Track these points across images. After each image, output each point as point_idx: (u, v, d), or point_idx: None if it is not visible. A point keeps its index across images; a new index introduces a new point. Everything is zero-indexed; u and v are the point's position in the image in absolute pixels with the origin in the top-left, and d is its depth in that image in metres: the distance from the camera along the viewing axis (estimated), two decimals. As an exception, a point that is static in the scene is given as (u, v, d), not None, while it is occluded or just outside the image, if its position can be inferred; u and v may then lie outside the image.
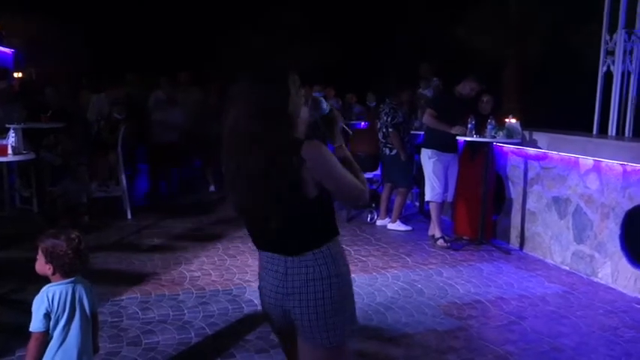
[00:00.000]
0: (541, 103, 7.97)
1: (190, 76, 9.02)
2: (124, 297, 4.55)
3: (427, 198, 6.50)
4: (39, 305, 2.43)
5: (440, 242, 6.25)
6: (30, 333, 2.44)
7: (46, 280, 2.54)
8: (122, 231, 6.53)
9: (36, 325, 2.41)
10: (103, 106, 8.06)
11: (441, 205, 6.46)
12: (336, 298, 2.06)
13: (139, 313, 4.26)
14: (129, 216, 7.10)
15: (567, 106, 7.36)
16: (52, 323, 2.44)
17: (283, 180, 1.93)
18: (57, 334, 2.45)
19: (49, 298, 2.44)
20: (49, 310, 2.42)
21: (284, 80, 2.02)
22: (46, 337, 2.43)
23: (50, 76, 9.15)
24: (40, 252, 2.49)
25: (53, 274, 2.49)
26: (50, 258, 2.46)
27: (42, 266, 2.49)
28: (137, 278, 5.00)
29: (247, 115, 1.97)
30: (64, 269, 2.48)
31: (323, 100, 2.17)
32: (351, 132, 2.33)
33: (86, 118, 8.11)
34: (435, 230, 6.39)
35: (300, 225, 2.03)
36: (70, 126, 7.18)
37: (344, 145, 2.19)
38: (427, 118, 6.22)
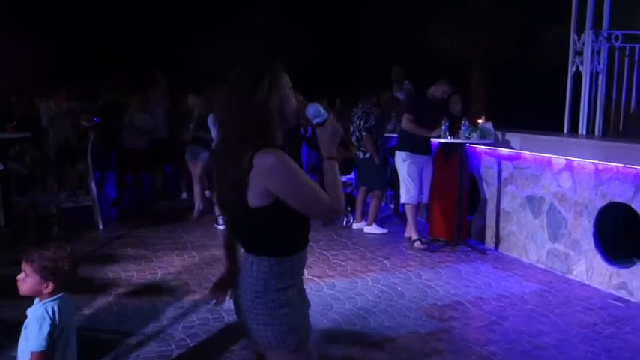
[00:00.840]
0: (510, 103, 8.09)
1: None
2: (99, 310, 4.43)
3: (402, 200, 6.52)
4: (41, 323, 2.33)
5: (417, 244, 6.27)
6: (32, 353, 2.34)
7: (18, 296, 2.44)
8: (94, 242, 6.37)
9: (41, 343, 2.31)
10: (51, 114, 7.84)
11: (417, 207, 6.49)
12: (271, 310, 2.01)
13: (117, 325, 4.14)
14: (100, 226, 6.94)
15: (537, 107, 7.49)
16: (54, 339, 2.34)
17: (233, 179, 1.91)
18: (60, 348, 2.38)
19: (50, 314, 2.35)
20: (53, 326, 2.34)
21: (261, 73, 1.95)
22: (50, 354, 2.33)
23: (16, 85, 8.87)
24: (30, 271, 2.38)
25: (52, 290, 2.38)
26: (51, 274, 2.36)
27: (36, 285, 2.38)
28: (112, 290, 4.88)
29: (221, 100, 2.00)
30: (64, 283, 2.39)
31: (320, 107, 2.07)
32: (353, 145, 2.24)
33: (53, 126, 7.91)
34: (411, 232, 6.42)
35: (245, 226, 2.01)
36: (36, 135, 6.99)
37: (334, 159, 2.04)
38: (406, 123, 6.23)
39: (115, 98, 8.64)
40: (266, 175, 1.86)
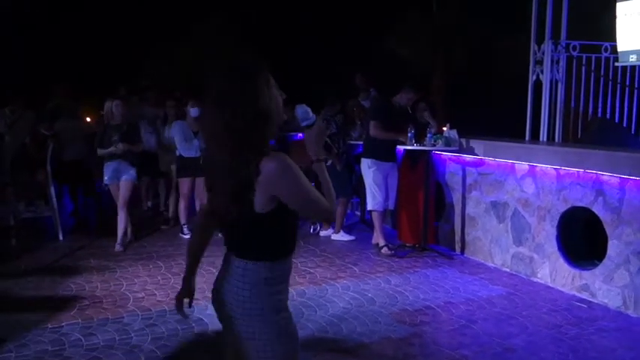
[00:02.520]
0: (473, 111, 8.25)
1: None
2: (63, 323, 4.29)
3: (369, 207, 6.55)
4: None
5: (384, 250, 6.31)
6: None
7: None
8: (55, 253, 6.18)
9: None
10: (7, 121, 7.58)
11: (383, 213, 6.53)
12: (259, 316, 1.99)
13: (82, 339, 4.02)
14: (60, 237, 6.74)
15: (499, 115, 7.66)
16: None
17: (236, 184, 1.89)
18: None
19: None
20: None
21: (252, 75, 1.92)
22: None
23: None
24: None
25: None
26: None
27: None
28: (76, 303, 4.73)
29: (212, 106, 1.94)
30: None
31: (308, 109, 2.08)
32: (335, 149, 2.26)
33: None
34: (378, 239, 6.45)
35: (246, 232, 1.98)
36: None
37: (322, 160, 2.10)
38: (373, 130, 6.24)
39: (64, 105, 8.26)
40: (273, 181, 1.86)
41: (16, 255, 5.74)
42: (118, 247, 6.31)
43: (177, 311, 2.30)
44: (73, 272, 5.55)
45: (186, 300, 2.29)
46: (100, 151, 6.29)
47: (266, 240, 1.97)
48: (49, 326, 4.22)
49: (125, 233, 6.51)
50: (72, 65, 10.69)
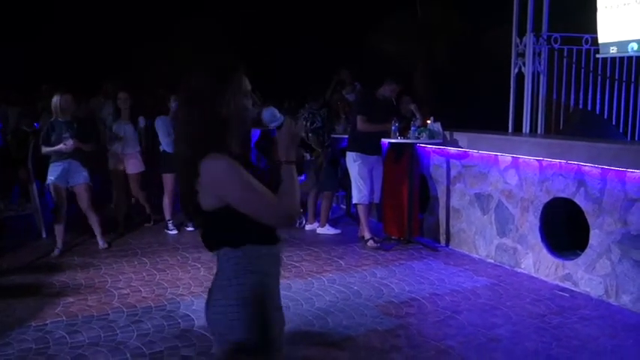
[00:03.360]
0: (456, 104, 8.29)
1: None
2: (47, 321, 4.25)
3: (354, 200, 6.57)
4: None
5: (370, 243, 6.33)
6: None
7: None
8: (38, 251, 6.11)
9: None
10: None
11: (369, 206, 6.55)
12: (234, 308, 1.95)
13: (67, 337, 3.99)
14: (44, 234, 6.67)
15: (482, 107, 7.70)
16: None
17: (184, 183, 1.96)
18: None
19: None
20: None
21: (224, 76, 1.92)
22: None
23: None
24: None
25: None
26: None
27: None
28: (60, 300, 4.69)
29: (180, 101, 2.04)
30: None
31: (275, 111, 2.06)
32: (319, 149, 2.23)
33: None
34: (364, 232, 6.47)
35: (205, 227, 2.02)
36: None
37: (292, 164, 1.98)
38: (360, 124, 6.23)
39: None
40: (212, 181, 1.86)
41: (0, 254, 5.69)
42: (101, 244, 6.22)
43: None
44: (56, 270, 5.51)
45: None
46: (45, 149, 5.80)
47: (221, 233, 1.97)
48: (33, 324, 4.19)
49: (103, 232, 6.29)
50: (66, 63, 10.53)
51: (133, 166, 6.89)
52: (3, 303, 4.62)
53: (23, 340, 3.93)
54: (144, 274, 5.40)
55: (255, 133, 8.60)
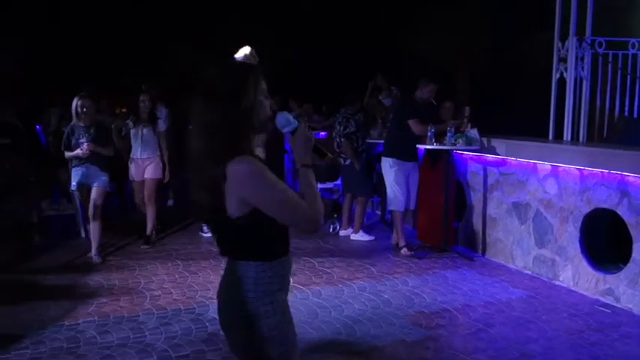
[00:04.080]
0: (495, 110, 8.10)
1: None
2: (80, 321, 4.34)
3: (390, 207, 6.48)
4: None
5: (404, 251, 6.23)
6: None
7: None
8: (76, 250, 6.25)
9: None
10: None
11: (404, 213, 6.45)
12: (256, 320, 1.94)
13: (98, 337, 4.05)
14: (82, 234, 6.82)
15: (521, 113, 7.50)
16: None
17: (206, 183, 1.86)
18: None
19: None
20: None
21: (242, 78, 1.90)
22: None
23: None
24: None
25: None
26: None
27: None
28: (94, 300, 4.78)
29: (198, 101, 1.92)
30: None
31: (289, 116, 2.04)
32: (330, 155, 2.20)
33: (34, 133, 7.76)
34: (398, 239, 6.38)
35: (226, 234, 1.96)
36: (16, 142, 6.86)
37: (309, 167, 1.99)
38: (418, 128, 6.11)
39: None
40: (241, 184, 1.81)
41: (39, 252, 5.83)
42: (95, 259, 5.84)
43: None
44: (92, 269, 5.62)
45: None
46: (67, 154, 5.83)
47: (248, 242, 1.93)
48: (66, 323, 4.28)
49: (99, 245, 5.96)
50: (107, 65, 10.82)
51: (150, 171, 6.40)
52: (39, 302, 4.73)
53: (55, 339, 4.01)
54: (176, 275, 5.45)
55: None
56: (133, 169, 6.43)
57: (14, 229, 6.63)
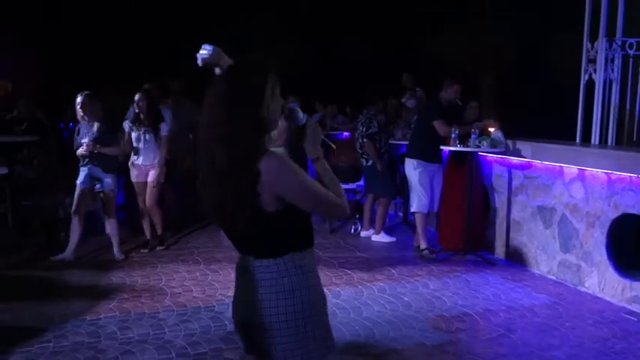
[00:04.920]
0: (522, 112, 7.98)
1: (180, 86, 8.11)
2: (101, 316, 4.39)
3: (413, 209, 6.42)
4: None
5: (426, 253, 6.17)
6: None
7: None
8: (99, 246, 6.33)
9: None
10: None
11: (427, 215, 6.39)
12: (306, 312, 1.95)
13: (118, 332, 4.10)
14: (107, 230, 6.88)
15: (548, 115, 7.37)
16: None
17: (240, 188, 1.84)
18: None
19: None
20: None
21: (261, 79, 1.91)
22: None
23: (22, 88, 8.84)
24: None
25: None
26: None
27: None
28: (115, 296, 4.84)
29: (217, 108, 1.89)
30: None
31: (299, 111, 2.07)
32: (334, 146, 2.21)
33: (57, 129, 7.89)
34: (420, 241, 6.31)
35: (258, 233, 1.93)
36: (43, 139, 6.98)
37: (322, 158, 2.06)
38: (443, 129, 6.06)
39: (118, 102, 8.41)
40: (274, 179, 1.83)
41: (64, 247, 5.90)
42: (117, 256, 5.92)
43: None
44: (115, 266, 5.69)
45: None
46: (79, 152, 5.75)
47: (283, 236, 1.94)
48: (88, 318, 4.33)
49: (120, 242, 6.04)
50: (124, 61, 10.90)
51: (153, 175, 6.12)
52: (62, 296, 4.81)
53: (77, 333, 4.07)
54: (197, 273, 5.48)
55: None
56: (134, 171, 6.19)
57: (41, 224, 6.76)
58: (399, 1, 11.23)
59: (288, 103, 2.11)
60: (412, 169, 6.33)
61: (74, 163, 5.91)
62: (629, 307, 4.72)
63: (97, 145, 5.66)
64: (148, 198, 6.17)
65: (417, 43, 10.55)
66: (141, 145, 6.08)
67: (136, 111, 6.06)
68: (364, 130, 6.80)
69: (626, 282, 4.80)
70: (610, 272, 4.94)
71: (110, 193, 5.85)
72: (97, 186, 5.81)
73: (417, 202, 6.31)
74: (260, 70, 1.94)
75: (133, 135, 6.08)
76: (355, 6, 11.77)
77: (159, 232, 6.37)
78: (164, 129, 6.07)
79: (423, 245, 6.27)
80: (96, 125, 5.72)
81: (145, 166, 6.12)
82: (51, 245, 6.31)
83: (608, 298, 4.91)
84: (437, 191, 6.41)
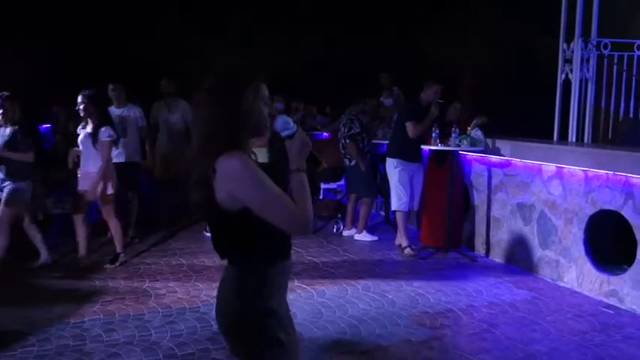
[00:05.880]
0: (500, 111, 8.10)
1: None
2: (86, 319, 4.35)
3: (393, 207, 6.49)
4: None
5: (407, 251, 6.24)
6: None
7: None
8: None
9: None
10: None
11: (408, 214, 6.46)
12: (256, 325, 1.97)
13: (103, 335, 4.07)
14: (87, 233, 6.82)
15: (526, 114, 7.50)
16: None
17: (200, 178, 1.90)
18: None
19: None
20: None
21: (242, 78, 1.96)
22: None
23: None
24: None
25: None
26: None
27: None
28: (99, 298, 4.80)
29: (198, 100, 1.97)
30: None
31: (289, 120, 2.06)
32: (325, 164, 2.22)
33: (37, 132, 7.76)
34: (402, 239, 6.38)
35: (223, 233, 1.98)
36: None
37: (302, 171, 1.99)
38: (412, 130, 6.09)
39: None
40: (229, 179, 1.84)
41: (49, 258, 5.83)
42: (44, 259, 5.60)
43: None
44: (97, 268, 5.64)
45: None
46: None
47: (241, 241, 1.95)
48: (72, 321, 4.29)
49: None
50: (112, 64, 10.79)
51: (87, 185, 5.49)
52: (45, 299, 4.75)
53: (61, 337, 4.03)
54: (180, 275, 5.47)
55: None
56: (78, 179, 5.64)
57: (19, 227, 6.65)
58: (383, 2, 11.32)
59: (275, 103, 2.13)
60: (392, 168, 6.39)
61: (62, 166, 5.82)
62: (606, 300, 4.84)
63: (5, 150, 5.31)
64: (102, 209, 5.69)
65: (400, 43, 10.64)
66: (83, 151, 5.58)
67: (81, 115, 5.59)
68: (346, 130, 6.84)
69: (604, 276, 4.92)
70: (588, 267, 5.06)
71: (10, 197, 5.36)
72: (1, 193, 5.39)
73: (397, 201, 6.37)
74: (245, 70, 1.99)
75: (79, 140, 5.64)
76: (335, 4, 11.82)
77: (117, 248, 5.81)
78: (104, 134, 5.44)
79: (404, 243, 6.34)
80: (9, 129, 5.38)
81: (87, 174, 5.52)
82: (29, 248, 6.22)
83: (586, 293, 5.03)
84: (417, 190, 6.48)
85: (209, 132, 1.91)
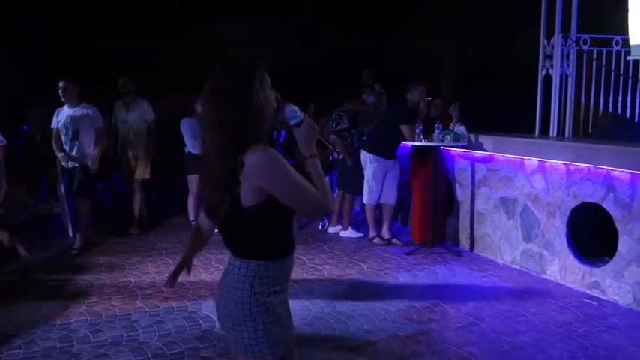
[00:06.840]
0: (482, 106, 8.19)
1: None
2: (72, 320, 4.32)
3: (364, 200, 6.69)
4: None
5: (377, 240, 6.48)
6: None
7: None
8: (64, 250, 6.21)
9: None
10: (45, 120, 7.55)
11: (375, 207, 6.64)
12: (259, 320, 1.98)
13: (90, 336, 4.04)
14: (70, 233, 6.76)
15: (508, 110, 7.59)
16: None
17: (223, 177, 1.89)
18: None
19: None
20: None
21: (249, 69, 1.95)
22: None
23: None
24: None
25: None
26: None
27: None
28: (85, 299, 4.76)
29: (209, 99, 1.95)
30: None
31: (296, 108, 2.07)
32: (331, 147, 2.24)
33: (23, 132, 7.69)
34: (370, 230, 6.62)
35: (235, 227, 1.98)
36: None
37: (315, 157, 2.05)
38: (411, 134, 6.17)
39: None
40: (258, 172, 1.86)
41: (27, 252, 5.76)
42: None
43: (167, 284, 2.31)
44: (82, 269, 5.59)
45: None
46: None
47: (256, 236, 1.97)
48: (58, 323, 4.26)
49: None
50: (85, 62, 10.64)
51: None
52: (30, 301, 4.70)
53: (48, 338, 3.99)
54: (166, 274, 5.39)
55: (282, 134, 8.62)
56: None
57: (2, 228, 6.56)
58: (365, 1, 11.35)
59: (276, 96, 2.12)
60: (368, 162, 6.51)
61: (43, 166, 5.77)
62: (589, 292, 4.93)
63: None
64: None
65: (382, 40, 10.68)
66: None
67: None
68: (334, 126, 6.89)
69: (586, 268, 5.01)
70: (570, 259, 5.14)
71: None
72: None
73: (368, 195, 6.57)
74: (248, 61, 1.98)
75: None
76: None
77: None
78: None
79: (372, 233, 6.59)
80: None
81: None
82: (13, 249, 6.15)
83: (569, 285, 5.12)
84: (393, 184, 6.59)
85: (231, 131, 1.88)
